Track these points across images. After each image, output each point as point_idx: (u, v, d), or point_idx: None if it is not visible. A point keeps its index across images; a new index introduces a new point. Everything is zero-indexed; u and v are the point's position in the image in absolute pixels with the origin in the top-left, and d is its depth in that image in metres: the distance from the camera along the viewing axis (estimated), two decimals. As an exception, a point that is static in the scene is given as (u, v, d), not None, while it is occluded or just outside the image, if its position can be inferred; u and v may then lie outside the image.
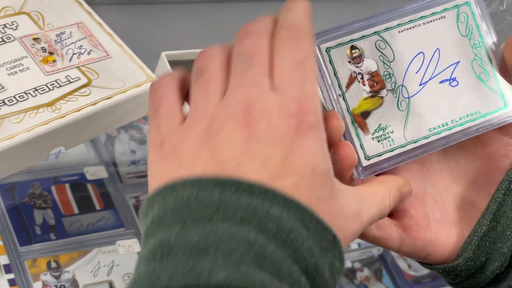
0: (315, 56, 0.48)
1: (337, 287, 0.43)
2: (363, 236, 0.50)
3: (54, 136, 0.71)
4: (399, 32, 0.50)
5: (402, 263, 0.92)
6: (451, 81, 0.52)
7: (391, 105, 0.50)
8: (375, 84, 0.50)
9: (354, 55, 0.49)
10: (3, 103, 0.70)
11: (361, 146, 0.49)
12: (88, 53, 0.77)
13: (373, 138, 0.49)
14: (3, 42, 0.75)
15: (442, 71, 0.51)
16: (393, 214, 0.53)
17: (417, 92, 0.51)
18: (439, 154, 0.54)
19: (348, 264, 0.90)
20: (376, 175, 0.51)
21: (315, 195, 0.41)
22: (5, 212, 0.78)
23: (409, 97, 0.50)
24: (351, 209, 0.44)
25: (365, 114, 0.49)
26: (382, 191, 0.48)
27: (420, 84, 0.51)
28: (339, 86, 0.49)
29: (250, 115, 0.41)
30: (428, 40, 0.51)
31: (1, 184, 0.79)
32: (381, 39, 0.50)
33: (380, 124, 0.50)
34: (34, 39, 0.76)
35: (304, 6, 0.45)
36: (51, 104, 0.71)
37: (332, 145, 0.48)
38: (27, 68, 0.74)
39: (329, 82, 0.49)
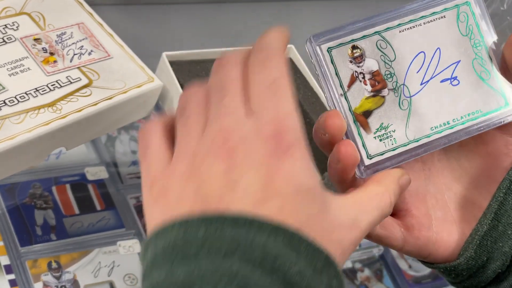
0: (317, 58, 0.48)
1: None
2: (366, 235, 0.51)
3: (55, 137, 0.71)
4: (400, 31, 0.51)
5: (402, 264, 0.92)
6: (452, 80, 0.52)
7: (392, 104, 0.50)
8: (377, 84, 0.50)
9: (355, 54, 0.49)
10: (4, 104, 0.70)
11: (363, 145, 0.49)
12: (89, 54, 0.77)
13: (375, 137, 0.50)
14: (4, 43, 0.75)
15: (443, 70, 0.51)
16: (395, 213, 0.53)
17: (418, 91, 0.51)
18: (440, 153, 0.54)
19: (348, 264, 0.90)
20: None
21: (304, 214, 0.41)
22: (6, 212, 0.78)
23: (410, 96, 0.51)
24: (346, 219, 0.44)
25: (367, 113, 0.50)
26: (380, 191, 0.47)
27: (421, 83, 0.51)
28: (340, 86, 0.49)
29: (228, 145, 0.42)
30: (429, 39, 0.51)
31: (2, 185, 0.79)
32: (382, 38, 0.50)
33: (382, 123, 0.50)
34: (35, 39, 0.76)
35: (276, 33, 0.46)
36: (52, 104, 0.71)
37: (334, 144, 0.48)
38: (28, 68, 0.74)
39: (331, 82, 0.49)
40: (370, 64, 0.50)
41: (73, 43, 0.77)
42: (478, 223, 0.53)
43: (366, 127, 0.50)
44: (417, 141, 0.51)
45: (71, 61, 0.75)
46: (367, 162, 0.49)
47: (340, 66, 0.49)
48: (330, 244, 0.41)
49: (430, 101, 0.51)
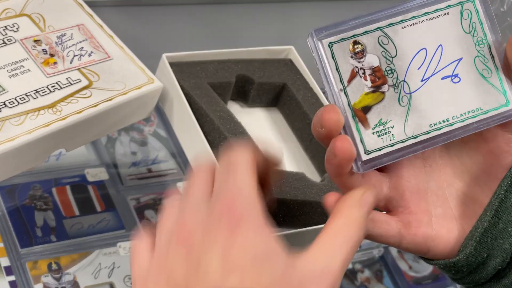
0: (318, 53, 0.49)
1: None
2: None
3: (55, 138, 0.71)
4: (402, 28, 0.51)
5: (402, 264, 0.92)
6: (453, 77, 0.52)
7: (392, 100, 0.50)
8: (377, 79, 0.50)
9: (356, 50, 0.50)
10: (4, 105, 0.70)
11: (361, 141, 0.50)
12: (89, 55, 0.77)
13: (373, 133, 0.50)
14: (4, 44, 0.75)
15: (444, 68, 0.52)
16: (393, 209, 0.53)
17: (418, 88, 0.51)
18: (442, 150, 0.54)
19: (348, 265, 0.90)
20: (377, 169, 0.52)
21: (266, 280, 0.42)
22: (6, 214, 0.78)
23: (410, 93, 0.51)
24: (316, 269, 0.44)
25: (366, 109, 0.50)
26: (342, 223, 0.47)
27: (422, 80, 0.51)
28: (340, 81, 0.49)
29: (186, 231, 0.45)
30: (431, 36, 0.51)
31: (2, 186, 0.79)
32: (384, 34, 0.50)
33: (381, 119, 0.50)
34: (35, 41, 0.76)
35: (240, 153, 0.48)
36: (52, 106, 0.71)
37: (331, 138, 0.49)
38: (28, 70, 0.74)
39: (331, 77, 0.49)
40: (371, 59, 0.50)
41: (73, 45, 0.77)
42: (478, 220, 0.53)
43: (364, 122, 0.50)
44: (416, 137, 0.51)
45: (71, 63, 0.75)
46: (364, 157, 0.50)
47: (340, 61, 0.49)
48: None
49: (430, 98, 0.51)
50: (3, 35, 0.76)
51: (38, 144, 0.70)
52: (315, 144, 0.83)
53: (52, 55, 0.75)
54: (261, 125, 0.86)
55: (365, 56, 0.50)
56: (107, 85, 0.75)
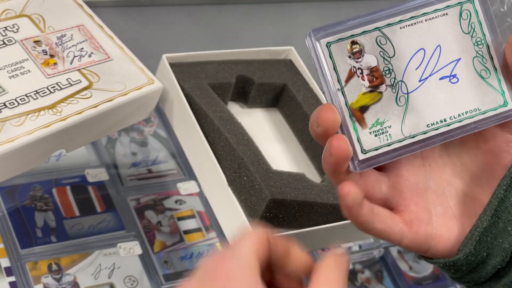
0: (316, 52, 0.49)
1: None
2: (365, 229, 0.51)
3: (55, 139, 0.71)
4: (401, 28, 0.51)
5: (403, 265, 0.92)
6: (451, 77, 0.52)
7: (389, 100, 0.50)
8: (375, 79, 0.50)
9: (354, 50, 0.50)
10: (4, 106, 0.70)
11: (358, 140, 0.50)
12: (89, 56, 0.77)
13: (370, 133, 0.50)
14: (4, 45, 0.75)
15: (442, 68, 0.52)
16: (395, 208, 0.53)
17: (416, 88, 0.51)
18: (441, 149, 0.54)
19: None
20: (376, 169, 0.52)
21: None
22: (6, 214, 0.78)
23: (408, 93, 0.51)
24: None
25: (363, 109, 0.50)
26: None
27: (420, 80, 0.51)
28: (338, 81, 0.49)
29: None
30: (430, 36, 0.51)
31: (2, 187, 0.79)
32: (382, 35, 0.50)
33: (378, 119, 0.50)
34: (35, 41, 0.76)
35: None
36: (52, 107, 0.71)
37: (327, 137, 0.49)
38: (28, 70, 0.74)
39: (328, 77, 0.49)
40: (369, 59, 0.50)
41: (73, 45, 0.77)
42: (478, 219, 0.53)
43: (361, 122, 0.50)
44: (413, 137, 0.51)
45: (71, 63, 0.75)
46: (361, 156, 0.50)
47: (338, 61, 0.49)
48: None
49: (428, 98, 0.51)
50: (3, 36, 0.76)
51: (38, 145, 0.70)
52: (315, 145, 0.83)
53: (52, 56, 0.76)
54: (261, 125, 0.86)
55: (363, 56, 0.50)
56: (107, 85, 0.75)
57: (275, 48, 0.89)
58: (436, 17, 0.52)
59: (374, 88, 0.50)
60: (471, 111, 0.52)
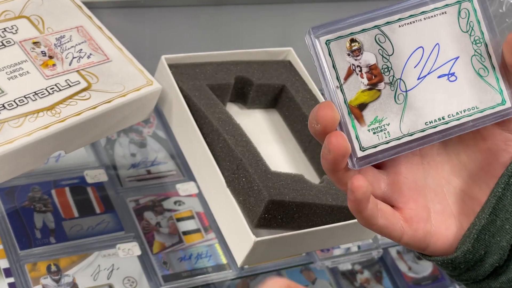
0: (315, 50, 0.49)
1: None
2: (368, 224, 0.51)
3: (54, 140, 0.71)
4: (400, 26, 0.51)
5: (402, 265, 0.92)
6: (449, 76, 0.52)
7: (388, 98, 0.51)
8: (373, 77, 0.50)
9: (353, 48, 0.50)
10: (3, 108, 0.70)
11: (357, 137, 0.50)
12: (88, 57, 0.77)
13: (369, 130, 0.50)
14: (3, 46, 0.75)
15: (441, 66, 0.52)
16: (395, 205, 0.53)
17: (414, 86, 0.51)
18: (439, 147, 0.54)
19: (348, 266, 0.90)
20: (375, 166, 0.52)
21: None
22: (5, 215, 0.78)
23: (406, 91, 0.51)
24: None
25: (362, 106, 0.50)
26: None
27: (418, 78, 0.51)
28: (337, 78, 0.50)
29: None
30: (428, 35, 0.51)
31: (1, 188, 0.79)
32: (381, 33, 0.50)
33: (377, 117, 0.50)
34: (34, 43, 0.76)
35: None
36: (51, 108, 0.71)
37: (326, 135, 0.49)
38: (27, 72, 0.74)
39: (327, 74, 0.49)
40: (368, 57, 0.50)
41: (72, 47, 0.77)
42: (476, 217, 0.53)
43: (360, 119, 0.50)
44: (411, 135, 0.51)
45: (70, 65, 0.76)
46: (359, 154, 0.50)
47: (337, 58, 0.49)
48: None
49: (426, 96, 0.51)
50: (2, 37, 0.76)
51: (37, 146, 0.70)
52: (314, 146, 0.83)
53: (51, 57, 0.76)
54: (260, 126, 0.86)
55: (362, 54, 0.50)
56: (106, 87, 0.75)
57: (274, 49, 0.89)
58: (434, 15, 0.52)
59: (373, 86, 0.50)
60: (469, 109, 0.52)
